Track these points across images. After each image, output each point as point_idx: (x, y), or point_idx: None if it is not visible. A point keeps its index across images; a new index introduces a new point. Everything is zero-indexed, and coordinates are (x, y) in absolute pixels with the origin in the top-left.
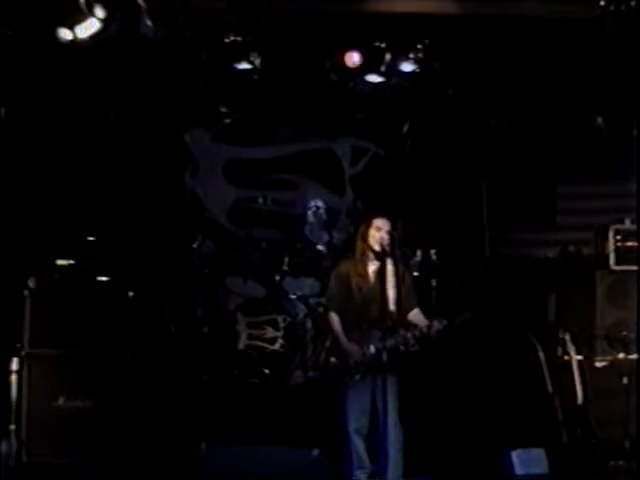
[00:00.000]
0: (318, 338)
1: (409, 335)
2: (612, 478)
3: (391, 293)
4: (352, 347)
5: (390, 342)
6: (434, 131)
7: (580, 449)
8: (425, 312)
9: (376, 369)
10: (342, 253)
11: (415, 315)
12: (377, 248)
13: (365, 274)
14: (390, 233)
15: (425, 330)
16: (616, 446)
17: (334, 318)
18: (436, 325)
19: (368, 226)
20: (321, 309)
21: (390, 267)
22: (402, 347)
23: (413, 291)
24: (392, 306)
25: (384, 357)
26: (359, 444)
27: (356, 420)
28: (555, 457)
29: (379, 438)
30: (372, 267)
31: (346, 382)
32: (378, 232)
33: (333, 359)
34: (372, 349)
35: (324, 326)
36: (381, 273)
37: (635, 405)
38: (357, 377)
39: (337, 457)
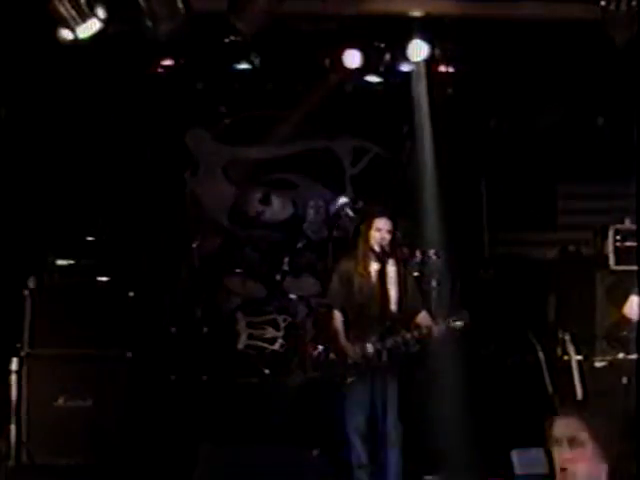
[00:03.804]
0: (318, 338)
1: (409, 336)
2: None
3: (392, 294)
4: (351, 347)
5: (390, 342)
6: (434, 131)
7: None
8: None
9: (376, 369)
10: (343, 253)
11: (423, 318)
12: (378, 248)
13: (366, 274)
14: (391, 233)
15: (425, 331)
16: None
17: (338, 316)
18: (438, 327)
19: (369, 226)
20: (322, 309)
21: (391, 267)
22: (402, 347)
23: (417, 294)
24: (393, 306)
25: (384, 357)
26: (358, 444)
27: (355, 420)
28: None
29: (379, 438)
30: (373, 267)
31: (345, 381)
32: (379, 232)
33: (332, 356)
34: (372, 349)
35: (326, 323)
36: (382, 273)
37: (635, 405)
38: (356, 377)
39: (337, 457)
